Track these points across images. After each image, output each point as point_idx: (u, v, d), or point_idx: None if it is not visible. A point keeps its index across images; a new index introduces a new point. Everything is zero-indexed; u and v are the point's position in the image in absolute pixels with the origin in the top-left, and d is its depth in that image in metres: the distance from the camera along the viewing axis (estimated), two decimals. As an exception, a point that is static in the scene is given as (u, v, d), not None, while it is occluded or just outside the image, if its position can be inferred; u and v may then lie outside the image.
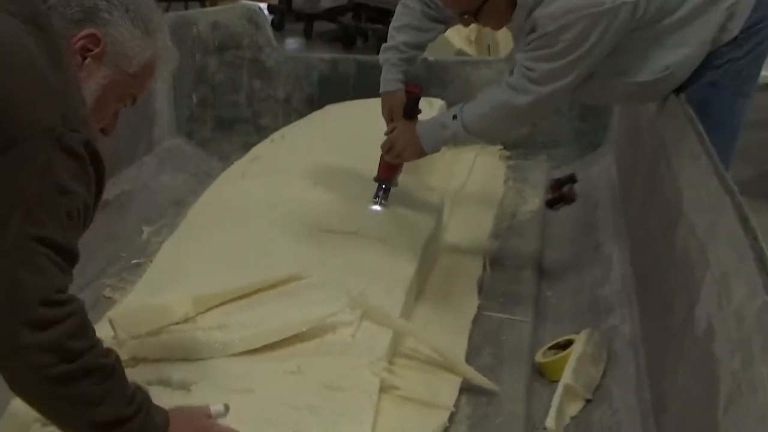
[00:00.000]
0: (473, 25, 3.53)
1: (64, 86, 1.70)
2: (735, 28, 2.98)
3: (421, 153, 3.25)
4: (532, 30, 2.90)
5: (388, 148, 3.26)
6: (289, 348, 2.52)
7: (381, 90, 3.31)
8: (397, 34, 3.29)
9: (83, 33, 1.80)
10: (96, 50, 1.82)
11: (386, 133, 3.28)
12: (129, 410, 1.74)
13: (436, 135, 3.20)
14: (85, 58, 1.82)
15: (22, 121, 1.61)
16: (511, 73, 3.02)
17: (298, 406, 2.28)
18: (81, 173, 1.67)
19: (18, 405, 2.32)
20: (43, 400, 1.69)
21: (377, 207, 3.34)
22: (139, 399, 1.77)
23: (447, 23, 3.30)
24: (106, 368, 1.71)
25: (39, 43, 1.70)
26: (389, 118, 3.29)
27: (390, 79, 3.28)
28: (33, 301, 1.59)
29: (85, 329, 1.69)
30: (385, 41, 3.35)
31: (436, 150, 3.27)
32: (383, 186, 3.35)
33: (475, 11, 2.95)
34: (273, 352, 2.51)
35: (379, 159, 3.32)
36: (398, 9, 3.29)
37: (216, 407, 1.99)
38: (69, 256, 1.68)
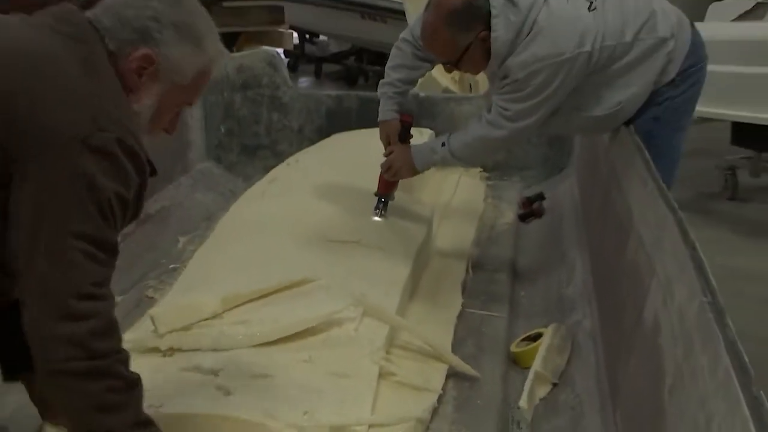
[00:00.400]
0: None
1: (96, 92, 1.62)
2: (673, 72, 3.02)
3: (414, 172, 3.28)
4: (505, 76, 2.93)
5: (386, 167, 3.29)
6: (301, 340, 2.51)
7: (379, 119, 3.34)
8: (392, 72, 3.32)
9: (137, 54, 1.71)
10: (150, 68, 1.73)
11: (384, 155, 3.30)
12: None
13: (427, 157, 3.22)
14: (141, 76, 1.73)
15: (50, 128, 1.54)
16: (489, 110, 3.04)
17: (308, 390, 2.29)
18: (112, 169, 1.58)
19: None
20: (62, 390, 1.59)
21: (377, 218, 3.36)
22: (148, 430, 1.67)
23: (433, 62, 3.31)
24: (127, 380, 1.63)
25: (75, 55, 1.64)
26: (386, 143, 3.32)
27: (387, 110, 3.31)
28: (66, 295, 1.54)
29: (111, 332, 1.62)
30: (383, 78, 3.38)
31: (427, 169, 3.31)
32: (382, 200, 3.38)
33: (456, 61, 2.99)
34: (288, 343, 2.51)
35: (378, 177, 3.34)
36: (393, 51, 3.32)
37: None
38: (105, 247, 1.60)
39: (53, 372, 1.56)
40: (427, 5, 2.95)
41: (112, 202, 1.59)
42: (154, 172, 1.78)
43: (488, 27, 2.86)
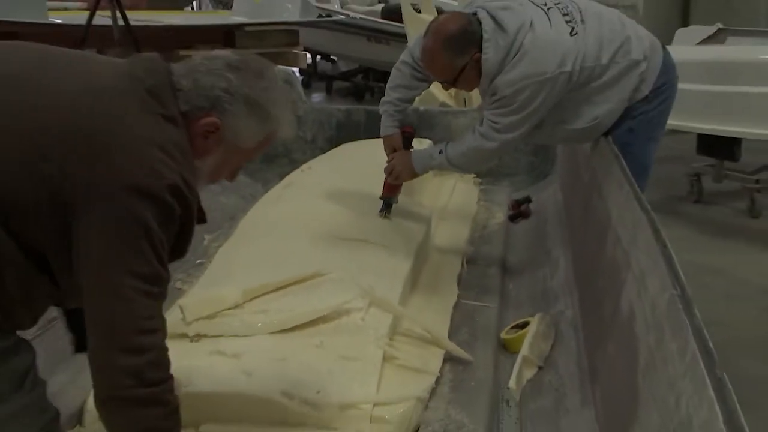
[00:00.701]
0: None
1: (157, 141, 1.58)
2: (646, 89, 3.04)
3: (414, 175, 3.29)
4: (494, 93, 2.93)
5: (389, 171, 3.30)
6: (314, 328, 2.51)
7: (381, 134, 3.34)
8: (391, 92, 3.31)
9: (206, 120, 1.67)
10: (216, 134, 1.69)
11: (387, 162, 3.31)
12: None
13: (425, 162, 3.23)
14: (207, 138, 1.70)
15: (109, 173, 1.51)
16: (481, 123, 3.03)
17: (320, 372, 2.28)
18: (162, 214, 1.55)
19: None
20: (116, 414, 1.55)
21: (382, 219, 3.37)
22: None
23: (429, 81, 3.32)
24: (172, 405, 1.60)
25: (145, 106, 1.61)
26: (390, 152, 3.33)
27: (388, 126, 3.32)
28: (126, 330, 1.51)
29: (164, 362, 1.59)
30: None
31: (425, 172, 3.32)
32: (386, 203, 3.38)
33: (453, 80, 3.00)
34: (302, 330, 2.50)
35: (383, 182, 3.35)
36: (393, 72, 3.31)
37: None
38: (158, 283, 1.58)
39: (111, 398, 1.54)
40: (426, 31, 2.95)
41: (163, 242, 1.57)
42: (202, 220, 1.77)
43: (481, 49, 2.86)
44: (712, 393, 1.26)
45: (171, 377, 1.60)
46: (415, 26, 5.80)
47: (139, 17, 6.96)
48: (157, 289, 1.57)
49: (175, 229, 1.61)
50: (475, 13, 2.89)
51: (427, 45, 2.93)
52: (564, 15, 2.91)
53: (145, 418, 1.55)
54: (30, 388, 1.64)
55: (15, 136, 1.51)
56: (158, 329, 1.58)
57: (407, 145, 3.32)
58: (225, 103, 1.68)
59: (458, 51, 2.87)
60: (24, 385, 1.63)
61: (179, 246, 1.68)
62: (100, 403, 1.55)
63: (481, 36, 2.84)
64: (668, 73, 3.09)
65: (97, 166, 1.51)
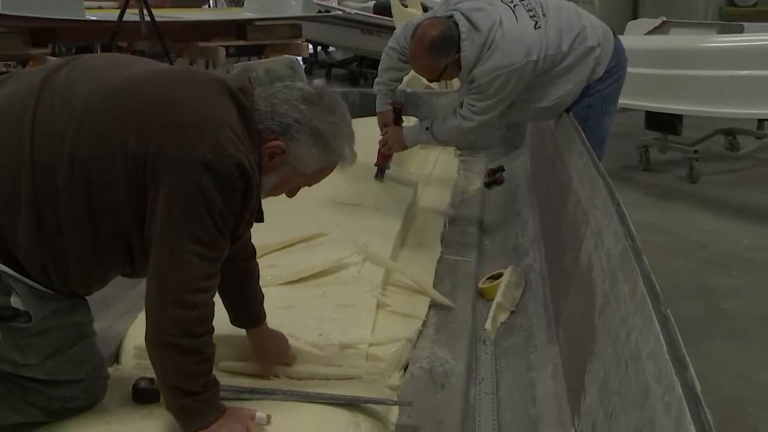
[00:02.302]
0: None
1: (225, 120, 1.55)
2: (600, 71, 3.07)
3: (403, 147, 3.33)
4: (472, 81, 2.96)
5: (383, 143, 3.34)
6: (317, 280, 2.51)
7: (377, 110, 3.36)
8: (383, 74, 3.32)
9: (274, 143, 1.64)
10: (281, 156, 1.66)
11: (382, 135, 3.35)
12: (205, 391, 1.59)
13: (414, 137, 3.28)
14: (272, 158, 1.66)
15: (179, 149, 1.49)
16: (461, 106, 3.06)
17: (322, 318, 2.28)
18: (226, 188, 1.50)
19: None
20: (158, 354, 1.55)
21: (377, 183, 3.41)
22: (213, 388, 1.62)
23: None
24: (207, 353, 1.59)
25: (226, 94, 1.59)
26: (383, 127, 3.35)
27: (382, 103, 3.35)
28: (182, 287, 1.50)
29: (209, 319, 1.58)
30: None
31: (413, 145, 3.37)
32: (380, 168, 3.42)
33: (437, 78, 3.05)
34: (306, 282, 2.51)
35: (377, 151, 3.38)
36: (383, 56, 3.30)
37: (260, 414, 1.70)
38: (215, 249, 1.53)
39: (159, 342, 1.53)
40: (412, 35, 2.96)
41: (224, 214, 1.52)
42: (260, 219, 1.75)
43: (459, 49, 2.86)
44: (657, 327, 1.26)
45: (211, 330, 1.59)
46: (403, 19, 5.74)
47: (163, 14, 6.91)
48: (213, 254, 1.53)
49: (238, 202, 1.56)
50: (451, 16, 2.90)
51: (413, 50, 2.96)
52: (528, 11, 2.93)
53: (183, 362, 1.55)
54: (90, 337, 1.73)
55: (118, 119, 1.51)
56: (209, 289, 1.56)
57: (397, 117, 3.35)
58: (294, 131, 1.65)
59: (440, 54, 2.89)
60: (86, 335, 1.71)
61: (247, 217, 1.64)
62: (148, 341, 1.56)
63: (460, 37, 2.85)
64: (619, 56, 3.12)
65: (174, 142, 1.49)
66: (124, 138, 1.50)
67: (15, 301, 1.52)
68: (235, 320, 2.02)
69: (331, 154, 1.72)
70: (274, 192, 1.77)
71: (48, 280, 1.56)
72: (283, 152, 1.66)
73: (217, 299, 1.67)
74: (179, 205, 1.49)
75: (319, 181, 1.79)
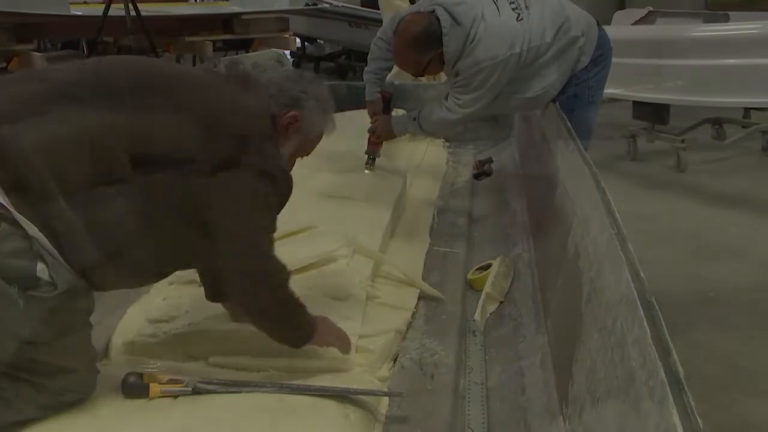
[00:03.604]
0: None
1: (267, 134, 1.85)
2: (585, 61, 3.08)
3: (392, 136, 3.33)
4: (456, 74, 2.97)
5: (373, 131, 3.34)
6: (307, 273, 2.51)
7: (366, 99, 3.37)
8: (372, 63, 3.33)
9: (290, 114, 1.92)
10: (296, 125, 1.94)
11: (371, 123, 3.35)
12: (305, 315, 1.93)
13: (402, 127, 3.28)
14: (288, 128, 1.93)
15: (248, 161, 1.74)
16: (447, 98, 3.06)
17: (313, 309, 2.26)
18: (272, 187, 1.79)
19: (133, 310, 2.32)
20: (260, 303, 1.83)
21: (367, 171, 3.42)
22: (306, 311, 1.94)
23: None
24: (298, 301, 1.91)
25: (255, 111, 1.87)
26: (372, 115, 3.36)
27: (371, 92, 3.35)
28: (258, 260, 1.80)
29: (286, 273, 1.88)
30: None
31: (402, 134, 3.37)
32: (370, 156, 3.42)
33: (420, 73, 3.06)
34: (297, 274, 2.46)
35: (367, 140, 3.38)
36: (371, 47, 3.32)
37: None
38: (269, 230, 1.83)
39: (258, 294, 1.81)
40: (395, 31, 2.96)
41: (272, 205, 1.83)
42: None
43: (441, 44, 2.87)
44: (642, 313, 1.27)
45: (288, 277, 1.88)
46: (390, 11, 5.73)
47: (148, 9, 6.86)
48: (269, 234, 1.83)
49: (282, 194, 1.85)
50: (433, 11, 2.89)
51: (396, 46, 2.97)
52: (511, 3, 2.94)
53: (285, 308, 1.89)
54: (90, 327, 1.77)
55: (194, 124, 1.73)
56: (273, 256, 1.84)
57: (386, 107, 3.36)
58: (303, 101, 1.95)
59: (423, 50, 2.90)
60: (88, 324, 1.75)
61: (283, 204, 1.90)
62: (246, 310, 1.91)
63: (441, 32, 2.85)
64: (603, 46, 3.12)
65: (240, 153, 1.75)
66: (208, 141, 1.72)
67: (41, 269, 1.53)
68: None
69: (327, 117, 2.02)
70: (292, 160, 2.01)
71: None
72: (297, 120, 1.93)
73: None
74: (245, 200, 1.77)
75: (315, 147, 2.07)
